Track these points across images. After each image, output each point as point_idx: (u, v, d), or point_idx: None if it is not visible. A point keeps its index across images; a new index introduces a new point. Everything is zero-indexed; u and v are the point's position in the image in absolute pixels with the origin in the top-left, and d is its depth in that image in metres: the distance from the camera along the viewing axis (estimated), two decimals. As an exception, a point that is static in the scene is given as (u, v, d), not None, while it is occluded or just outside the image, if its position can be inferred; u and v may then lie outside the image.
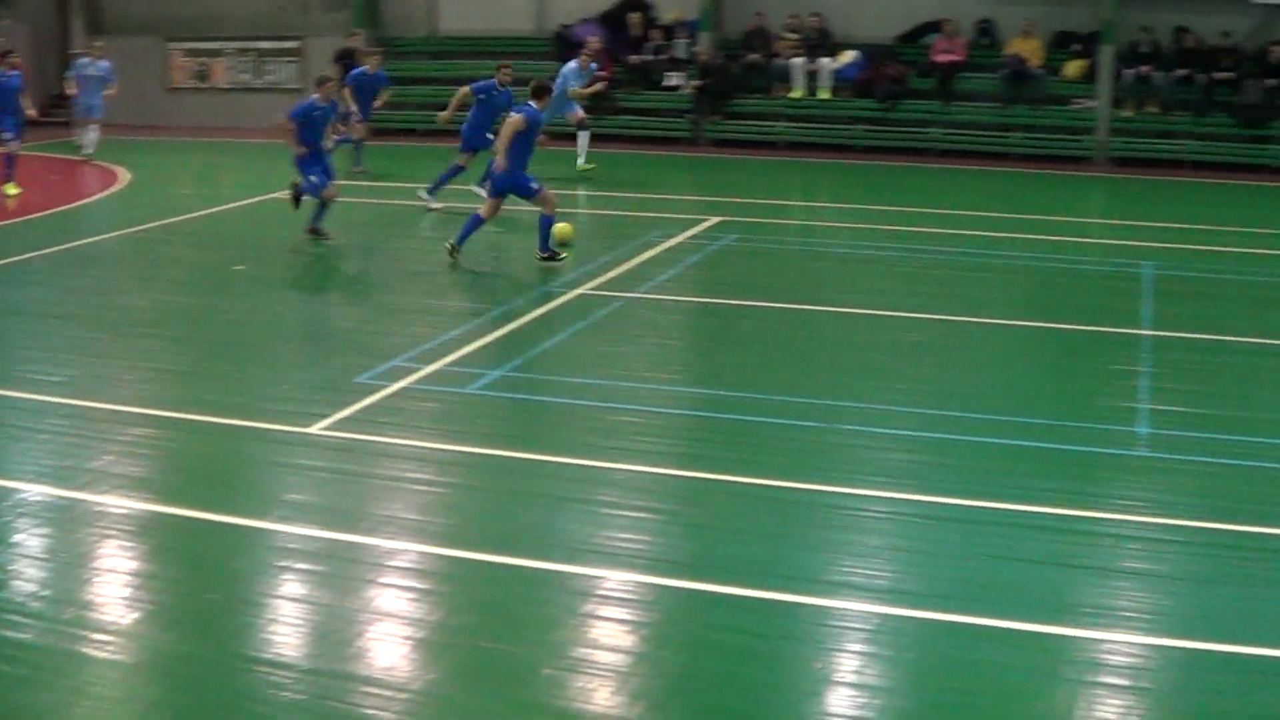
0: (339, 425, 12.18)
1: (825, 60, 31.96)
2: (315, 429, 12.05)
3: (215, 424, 12.31)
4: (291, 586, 9.20)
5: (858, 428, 12.42)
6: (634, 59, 33.10)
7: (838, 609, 8.88)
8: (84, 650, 8.16)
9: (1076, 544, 10.06)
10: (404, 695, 7.71)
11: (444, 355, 14.33)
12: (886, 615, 8.79)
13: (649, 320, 16.66)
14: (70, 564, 9.50)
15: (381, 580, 9.26)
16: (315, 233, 20.20)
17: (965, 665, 8.20)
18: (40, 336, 15.49)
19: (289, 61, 36.46)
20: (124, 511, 10.32)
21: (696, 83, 32.39)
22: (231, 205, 24.08)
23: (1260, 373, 14.74)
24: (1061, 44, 31.65)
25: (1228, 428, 12.57)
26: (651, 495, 10.95)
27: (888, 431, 12.33)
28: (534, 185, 18.52)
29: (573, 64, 26.93)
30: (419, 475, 11.26)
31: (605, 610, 8.86)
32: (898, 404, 13.12)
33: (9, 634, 8.35)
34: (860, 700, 7.76)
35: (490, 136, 20.16)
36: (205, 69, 37.28)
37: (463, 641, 8.41)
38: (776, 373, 14.33)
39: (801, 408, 12.94)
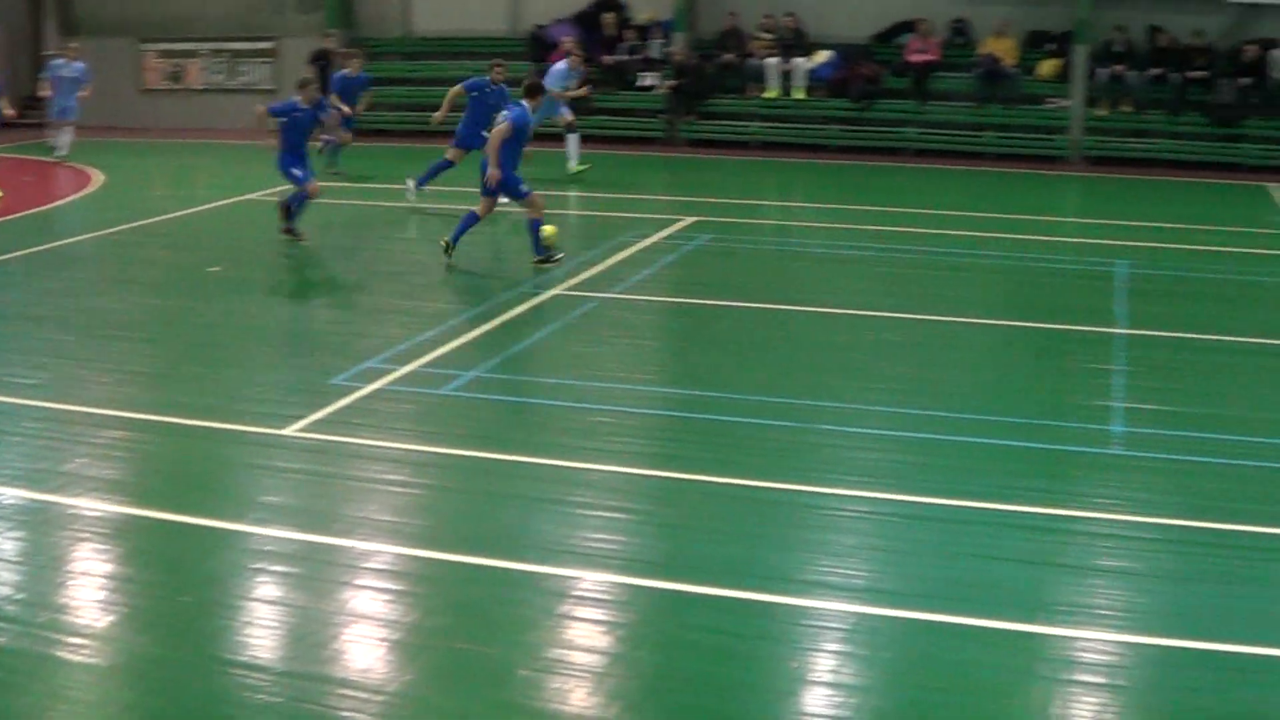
0: (314, 427, 12.16)
1: (800, 60, 31.95)
2: (290, 431, 12.03)
3: (190, 426, 12.28)
4: (267, 589, 9.18)
5: (833, 427, 12.43)
6: (608, 59, 33.07)
7: (814, 608, 8.89)
8: (59, 654, 8.13)
9: (1052, 542, 10.08)
10: (380, 697, 7.70)
11: (419, 356, 14.31)
12: (863, 614, 8.80)
13: (624, 321, 16.66)
14: (45, 567, 9.47)
15: (357, 582, 9.25)
16: (290, 232, 20.14)
17: (942, 664, 8.21)
18: (14, 339, 15.46)
19: (263, 62, 36.39)
20: (99, 514, 10.29)
21: (671, 83, 32.40)
22: (206, 207, 24.01)
23: (1234, 370, 14.77)
24: (1035, 43, 31.70)
25: (1202, 425, 12.61)
26: (627, 496, 10.95)
27: (863, 431, 12.35)
28: (524, 188, 18.49)
29: (562, 64, 26.75)
30: (394, 476, 11.25)
31: (581, 611, 8.85)
32: (873, 403, 13.14)
33: (-17, 638, 8.34)
34: (837, 700, 7.77)
35: (485, 135, 20.09)
36: (179, 70, 37.19)
37: (438, 643, 8.40)
38: (752, 373, 14.34)
39: (777, 407, 12.95)
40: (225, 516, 10.31)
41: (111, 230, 21.77)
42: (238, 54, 36.61)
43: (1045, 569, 9.57)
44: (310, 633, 8.52)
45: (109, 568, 9.55)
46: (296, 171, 19.62)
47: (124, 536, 10.11)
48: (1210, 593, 9.22)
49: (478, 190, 18.75)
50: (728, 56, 32.58)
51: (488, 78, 23.19)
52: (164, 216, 22.93)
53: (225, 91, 36.59)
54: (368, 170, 27.22)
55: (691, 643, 8.47)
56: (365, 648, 8.34)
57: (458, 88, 23.31)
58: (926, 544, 10.00)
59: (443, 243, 18.85)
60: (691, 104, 32.52)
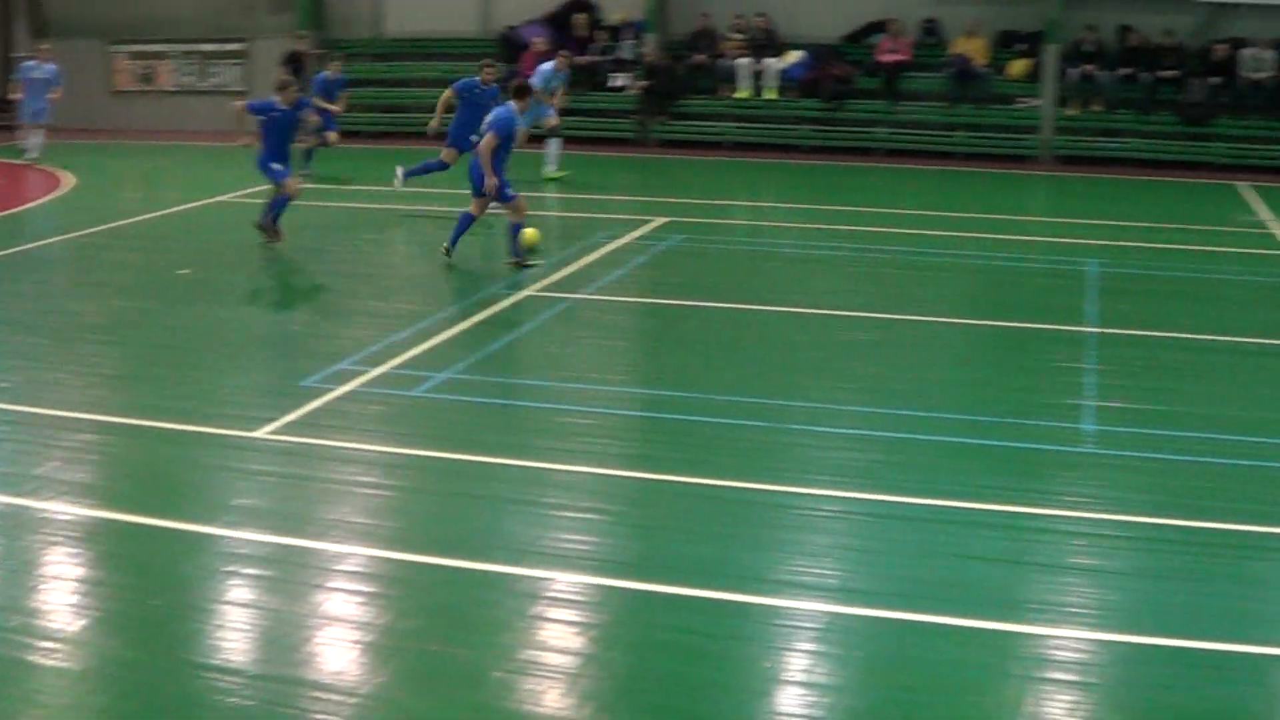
0: (286, 429, 12.13)
1: (771, 60, 32.00)
2: (262, 433, 12.01)
3: (161, 429, 12.24)
4: (239, 591, 9.16)
5: (805, 427, 12.45)
6: (580, 60, 33.06)
7: (787, 608, 8.90)
8: (30, 658, 8.10)
9: (1024, 541, 10.10)
10: (353, 699, 7.69)
11: (391, 358, 14.29)
12: (836, 614, 8.81)
13: (596, 321, 16.67)
14: (16, 571, 9.43)
15: (329, 584, 9.24)
16: (263, 229, 20.03)
17: (915, 662, 8.22)
18: (-16, 342, 15.43)
19: (234, 64, 36.34)
20: (69, 518, 10.26)
21: (642, 83, 32.42)
22: (176, 209, 23.93)
23: (1203, 368, 14.82)
24: (1006, 43, 31.80)
25: (1173, 423, 12.65)
26: (599, 496, 10.95)
27: (835, 431, 12.37)
28: (509, 191, 18.48)
29: (549, 65, 26.64)
30: (366, 478, 11.23)
31: (554, 612, 8.85)
32: (845, 403, 13.16)
33: (-46, 642, 8.31)
34: (810, 699, 7.78)
35: (474, 139, 20.04)
36: (150, 72, 37.12)
37: (411, 645, 8.39)
38: (724, 373, 14.34)
39: (749, 407, 12.96)
40: (197, 519, 10.29)
41: (82, 233, 21.71)
42: (208, 55, 36.55)
43: (1017, 567, 9.60)
44: (283, 635, 8.51)
45: (81, 571, 9.52)
46: (276, 166, 19.51)
47: (95, 540, 10.09)
48: (1182, 590, 9.25)
49: (467, 192, 18.73)
50: (699, 57, 32.62)
51: (478, 78, 23.11)
52: (135, 219, 22.89)
53: (196, 93, 36.53)
54: (339, 171, 27.17)
55: (665, 643, 8.47)
56: (338, 650, 8.32)
57: (448, 91, 23.21)
58: (899, 543, 10.02)
59: (443, 249, 18.85)
60: (663, 104, 32.54)
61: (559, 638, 8.50)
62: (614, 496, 11.02)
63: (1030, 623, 8.75)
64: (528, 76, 23.72)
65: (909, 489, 10.90)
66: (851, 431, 12.36)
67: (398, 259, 20.38)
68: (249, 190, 24.22)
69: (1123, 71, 30.22)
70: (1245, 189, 27.10)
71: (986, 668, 8.19)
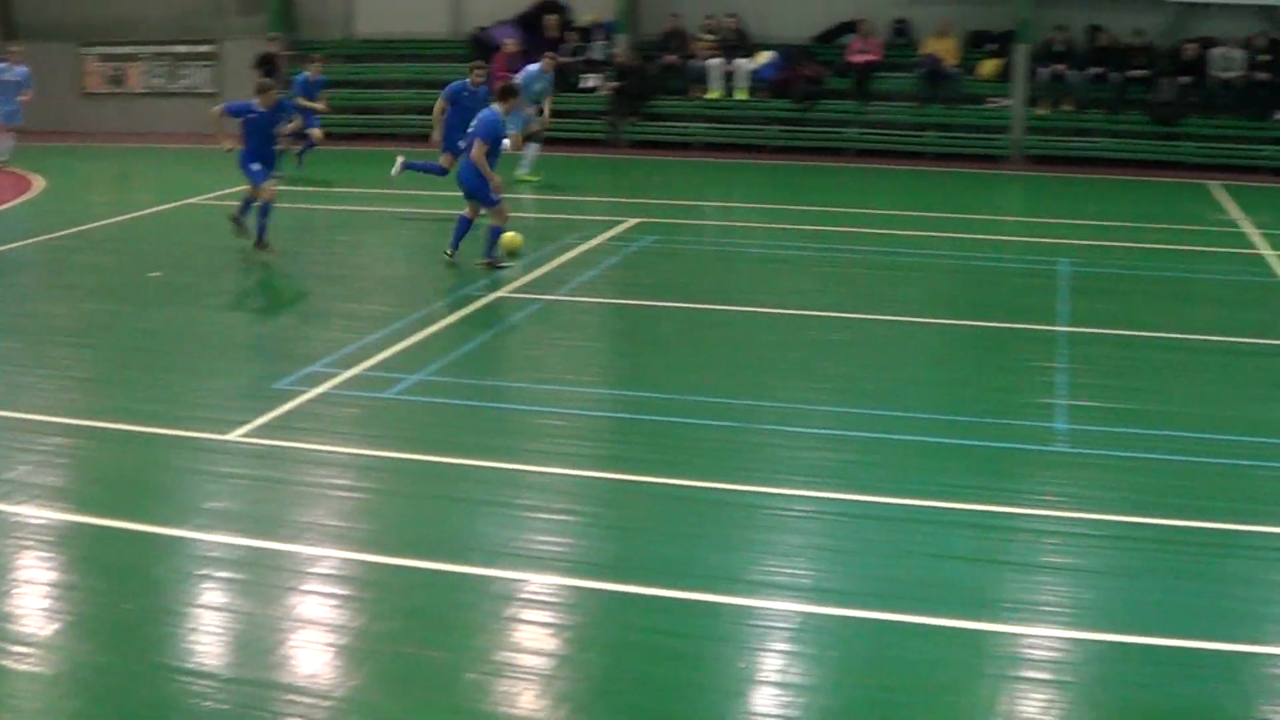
0: (258, 432, 12.10)
1: (742, 61, 32.00)
2: (234, 436, 11.98)
3: (133, 432, 12.21)
4: (212, 595, 9.13)
5: (778, 427, 12.45)
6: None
7: (761, 608, 8.91)
8: (2, 663, 8.06)
9: (998, 540, 10.12)
10: (327, 702, 7.68)
11: (363, 360, 14.27)
12: (810, 614, 8.82)
13: (569, 323, 16.66)
14: (-13, 575, 9.42)
15: (303, 587, 9.22)
16: (237, 223, 19.89)
17: (889, 662, 8.23)
18: (-46, 346, 15.37)
19: (204, 66, 36.23)
20: (42, 522, 10.23)
21: (613, 84, 32.41)
22: (147, 211, 23.85)
23: (1175, 367, 14.87)
24: (976, 43, 31.86)
25: (1146, 422, 12.69)
26: (572, 498, 10.95)
27: (808, 431, 12.37)
28: (495, 196, 18.47)
29: (534, 67, 26.56)
30: (339, 481, 11.21)
31: (528, 614, 8.84)
32: (817, 403, 13.17)
33: (-74, 647, 8.28)
34: (785, 699, 7.78)
35: (461, 144, 19.96)
36: (120, 74, 37.00)
37: (385, 647, 8.37)
38: (696, 374, 14.35)
39: (722, 408, 12.96)
40: (169, 523, 10.27)
41: (53, 236, 21.63)
42: (179, 57, 36.44)
43: (991, 566, 9.61)
44: (257, 639, 8.49)
45: (53, 575, 9.49)
46: (255, 167, 19.37)
47: (68, 544, 10.06)
48: (1156, 588, 9.27)
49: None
50: (670, 58, 32.61)
51: (467, 80, 23.03)
52: (105, 221, 22.80)
53: (166, 95, 36.42)
54: (311, 173, 27.11)
55: (639, 644, 8.47)
56: (312, 653, 8.31)
57: (440, 100, 23.04)
58: (872, 543, 10.03)
59: (444, 253, 18.85)
60: (634, 105, 32.53)
61: (534, 639, 8.50)
62: (587, 498, 11.02)
63: (1005, 622, 8.77)
64: (503, 78, 23.63)
65: (882, 489, 10.91)
66: (824, 431, 12.38)
67: (370, 260, 20.33)
68: (220, 192, 24.19)
69: (1093, 71, 30.30)
70: (1216, 188, 27.18)
71: (962, 667, 8.21)
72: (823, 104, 31.82)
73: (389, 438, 12.25)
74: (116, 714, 7.64)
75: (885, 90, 31.74)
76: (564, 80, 32.77)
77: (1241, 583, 9.50)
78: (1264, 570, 9.77)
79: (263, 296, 18.61)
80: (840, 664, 8.28)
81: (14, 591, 9.13)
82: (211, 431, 12.08)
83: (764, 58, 32.10)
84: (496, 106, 18.52)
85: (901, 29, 32.54)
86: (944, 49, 31.18)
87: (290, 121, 19.64)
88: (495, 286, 17.60)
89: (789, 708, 7.69)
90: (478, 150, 18.13)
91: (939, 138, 31.16)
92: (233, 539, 9.93)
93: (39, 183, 27.24)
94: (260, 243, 19.16)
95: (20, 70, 29.56)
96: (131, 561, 9.69)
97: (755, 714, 7.71)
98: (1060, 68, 30.38)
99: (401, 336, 15.20)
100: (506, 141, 22.18)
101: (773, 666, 8.17)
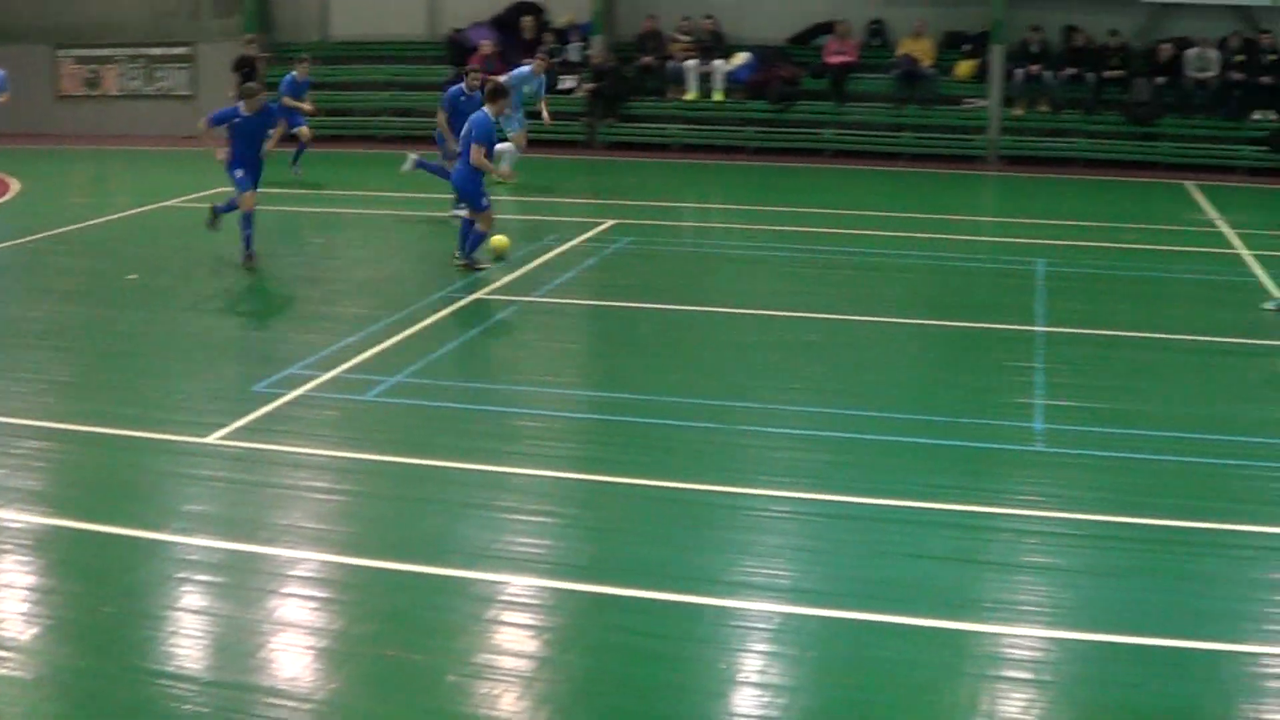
0: (236, 434, 12.09)
1: (718, 62, 32.00)
2: (213, 439, 11.97)
3: (111, 435, 12.20)
4: (192, 598, 9.12)
5: (756, 428, 12.46)
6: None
7: (740, 609, 8.92)
8: (-19, 667, 8.07)
9: (976, 539, 10.14)
10: (307, 705, 7.68)
11: (341, 362, 14.26)
12: (789, 614, 8.84)
13: (546, 324, 16.66)
14: (-35, 580, 9.40)
15: (282, 590, 9.22)
16: (215, 213, 19.72)
17: (869, 662, 8.25)
18: (-70, 350, 15.32)
19: (180, 68, 36.12)
20: (20, 526, 10.21)
21: (590, 85, 32.39)
22: (123, 214, 23.80)
23: (1152, 367, 14.92)
24: (952, 44, 31.88)
25: (1123, 421, 12.72)
26: (551, 499, 10.95)
27: (786, 431, 12.39)
28: (484, 200, 18.48)
29: (526, 68, 26.49)
30: (318, 483, 11.20)
31: (508, 615, 8.85)
32: (796, 404, 13.19)
33: (-96, 652, 8.26)
34: (765, 699, 7.80)
35: (454, 150, 19.91)
36: (96, 76, 36.88)
37: (366, 650, 8.37)
38: (674, 375, 14.36)
39: (700, 409, 12.97)
40: (148, 526, 10.26)
41: (28, 239, 21.56)
42: (154, 60, 36.32)
43: (970, 566, 9.64)
44: (236, 642, 8.49)
45: (32, 579, 9.46)
46: (239, 173, 19.21)
47: (46, 548, 10.03)
48: (1135, 587, 9.30)
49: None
50: (646, 59, 32.60)
51: (462, 85, 22.96)
52: (81, 224, 22.73)
53: (142, 97, 36.31)
54: (287, 175, 27.05)
55: (619, 645, 8.48)
56: (292, 656, 8.31)
57: (440, 112, 22.85)
58: (851, 543, 10.05)
59: (455, 257, 18.82)
60: (611, 107, 32.51)
61: (514, 641, 8.50)
62: (566, 499, 11.03)
63: (984, 621, 8.79)
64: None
65: (860, 489, 10.94)
66: (802, 432, 12.40)
67: (349, 262, 20.30)
68: (196, 195, 24.14)
69: (1068, 72, 30.32)
70: (1192, 188, 27.24)
71: (941, 667, 8.23)
72: (799, 105, 31.83)
73: (368, 440, 12.24)
74: (96, 718, 7.64)
75: (861, 91, 31.75)
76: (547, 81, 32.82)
77: (1220, 581, 9.53)
78: (1242, 569, 9.81)
79: (241, 299, 18.55)
80: (820, 664, 8.30)
81: (-7, 596, 9.13)
82: (190, 434, 12.07)
83: (739, 59, 32.09)
84: (487, 108, 18.52)
85: (877, 30, 32.55)
86: (920, 50, 31.21)
87: (275, 127, 19.48)
88: (473, 288, 17.60)
89: (769, 708, 7.71)
90: (476, 154, 18.14)
91: (915, 138, 31.19)
92: (212, 542, 9.93)
93: (14, 186, 27.15)
94: (247, 255, 19.00)
95: (-3, 73, 29.51)
96: (110, 565, 9.68)
97: (735, 714, 7.73)
98: (1035, 68, 30.42)
99: (380, 338, 15.18)
100: (510, 145, 22.19)
101: (752, 667, 8.19)
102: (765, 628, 8.69)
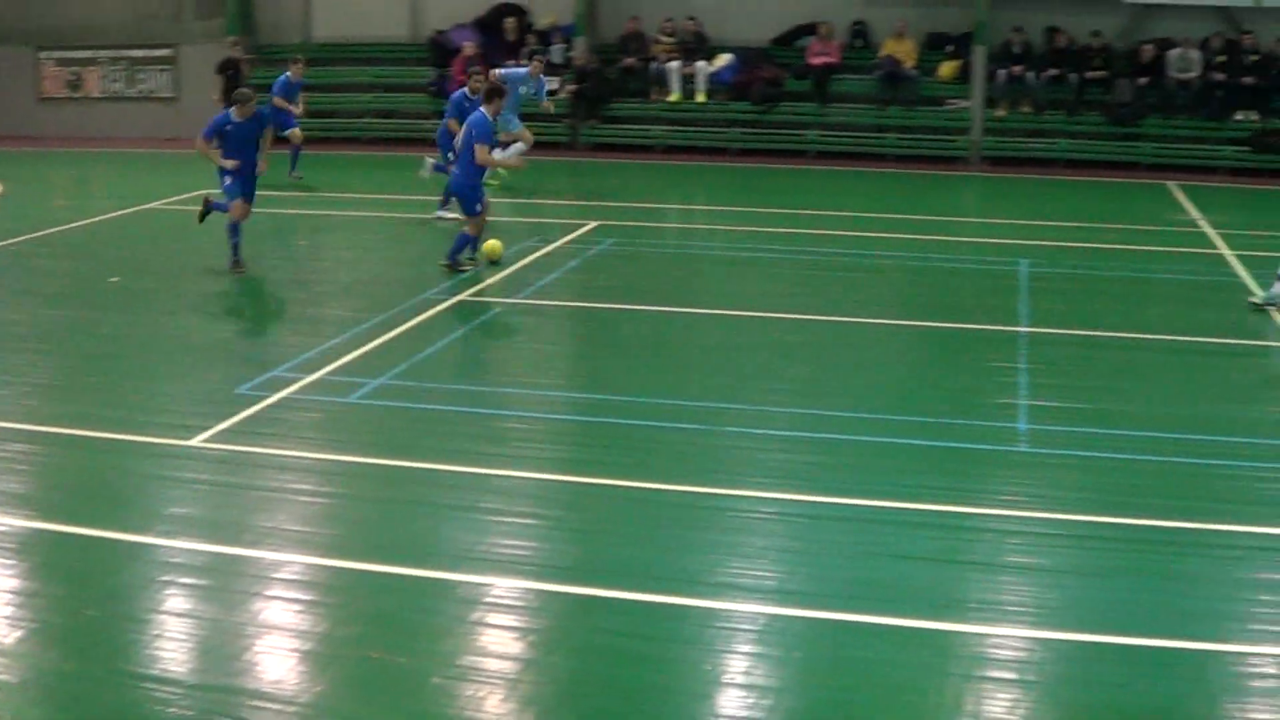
0: (220, 437, 12.08)
1: (701, 64, 31.99)
2: (196, 441, 11.95)
3: (94, 438, 12.18)
4: (176, 601, 9.11)
5: (740, 429, 12.46)
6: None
7: (725, 610, 8.92)
8: (-35, 671, 8.06)
9: (960, 540, 10.16)
10: (292, 708, 7.67)
11: (325, 364, 14.24)
12: (774, 615, 8.85)
13: (530, 326, 16.67)
14: (-51, 583, 9.38)
15: (267, 593, 9.20)
16: (206, 206, 19.60)
17: (854, 663, 8.26)
18: (-88, 353, 15.28)
19: (161, 70, 36.05)
20: (3, 529, 10.18)
21: (573, 87, 32.37)
22: (105, 216, 23.75)
23: (1135, 367, 14.94)
24: (935, 45, 31.90)
25: (1106, 422, 12.74)
26: (536, 501, 10.95)
27: (770, 433, 12.39)
28: (478, 206, 18.47)
29: (522, 70, 26.43)
30: (302, 486, 11.19)
31: (493, 617, 8.85)
32: (780, 405, 13.19)
33: (-113, 656, 8.24)
34: (750, 700, 7.80)
35: (450, 156, 19.89)
36: (78, 78, 36.81)
37: (350, 652, 8.37)
38: (658, 376, 14.37)
39: (684, 411, 12.97)
40: (132, 529, 10.24)
41: (10, 241, 21.48)
42: (136, 62, 36.24)
43: (954, 567, 9.65)
44: (221, 645, 8.47)
45: (15, 583, 9.44)
46: (228, 180, 19.02)
47: (29, 551, 10.01)
48: (1118, 587, 9.32)
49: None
50: (629, 60, 32.59)
51: (465, 90, 22.88)
52: (63, 227, 22.67)
53: (124, 100, 36.23)
54: (280, 178, 26.98)
55: (604, 647, 8.48)
56: (276, 659, 8.30)
57: (450, 120, 22.70)
58: (835, 544, 10.05)
59: (466, 259, 18.82)
60: (594, 108, 32.50)
61: (499, 643, 8.50)
62: (551, 501, 11.03)
63: (968, 621, 8.81)
64: (463, 82, 23.59)
65: (845, 490, 10.95)
66: (786, 433, 12.40)
67: (333, 265, 20.29)
68: (178, 198, 24.12)
69: (1050, 73, 30.36)
70: (1174, 188, 27.28)
71: (925, 667, 8.24)
72: (782, 106, 31.83)
73: (352, 442, 12.22)
74: (81, 721, 7.64)
75: (844, 92, 31.77)
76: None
77: (1205, 581, 9.55)
78: (1227, 568, 9.82)
79: (224, 301, 18.50)
80: (805, 665, 8.31)
81: (-24, 599, 9.11)
82: (173, 437, 12.05)
83: (722, 60, 32.08)
84: (485, 108, 18.50)
85: (860, 31, 32.56)
86: (902, 51, 31.23)
87: (264, 135, 19.34)
88: (457, 290, 17.58)
89: (753, 709, 7.71)
90: (482, 153, 18.14)
91: (898, 139, 31.20)
92: (196, 545, 9.92)
93: (-4, 188, 27.09)
94: (234, 263, 18.91)
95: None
96: (94, 568, 9.66)
97: (720, 716, 7.73)
98: (1018, 69, 30.45)
99: (364, 340, 15.17)
100: (521, 145, 22.14)
101: (737, 668, 8.19)
102: (750, 629, 8.69)
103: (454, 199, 18.94)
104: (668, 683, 8.03)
